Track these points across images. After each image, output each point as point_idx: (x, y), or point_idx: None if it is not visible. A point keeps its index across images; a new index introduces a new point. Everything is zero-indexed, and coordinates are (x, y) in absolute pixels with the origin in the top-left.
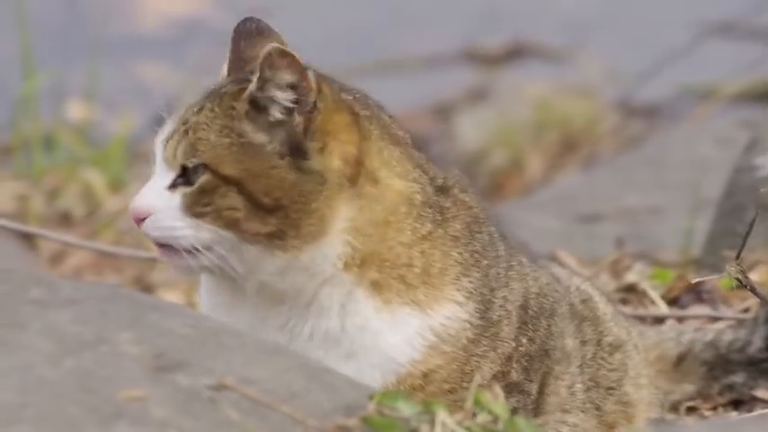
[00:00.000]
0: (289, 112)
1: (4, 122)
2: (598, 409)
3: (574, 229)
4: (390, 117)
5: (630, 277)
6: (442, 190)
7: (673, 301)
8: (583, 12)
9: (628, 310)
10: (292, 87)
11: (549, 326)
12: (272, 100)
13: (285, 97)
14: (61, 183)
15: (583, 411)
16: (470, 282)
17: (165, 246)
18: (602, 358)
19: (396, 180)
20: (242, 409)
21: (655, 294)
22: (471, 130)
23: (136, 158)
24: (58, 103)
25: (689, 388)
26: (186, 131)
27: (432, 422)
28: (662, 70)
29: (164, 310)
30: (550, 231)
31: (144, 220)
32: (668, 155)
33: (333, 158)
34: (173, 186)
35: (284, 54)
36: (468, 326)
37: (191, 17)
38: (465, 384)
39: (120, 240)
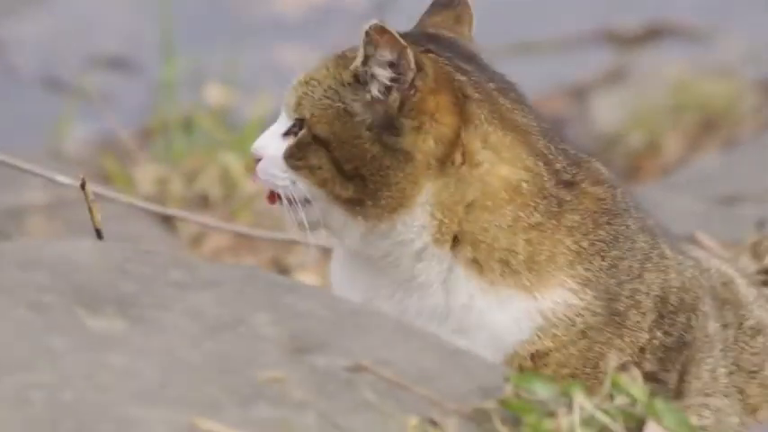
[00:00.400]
0: (387, 89)
1: (144, 106)
2: (741, 392)
3: (713, 210)
4: (517, 102)
5: None
6: (568, 184)
7: None
8: None
9: None
10: (391, 65)
11: (688, 320)
12: (373, 76)
13: (385, 75)
14: (199, 166)
15: (726, 396)
16: (588, 270)
17: (275, 195)
18: (744, 342)
19: (501, 166)
20: (378, 390)
21: None
22: (608, 111)
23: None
24: (197, 87)
25: None
26: (302, 85)
27: (569, 405)
28: None
29: (300, 291)
30: (689, 213)
31: (258, 162)
32: None
33: (427, 138)
34: (287, 134)
35: (383, 31)
36: (587, 312)
37: (329, 0)
38: (588, 371)
39: (257, 222)
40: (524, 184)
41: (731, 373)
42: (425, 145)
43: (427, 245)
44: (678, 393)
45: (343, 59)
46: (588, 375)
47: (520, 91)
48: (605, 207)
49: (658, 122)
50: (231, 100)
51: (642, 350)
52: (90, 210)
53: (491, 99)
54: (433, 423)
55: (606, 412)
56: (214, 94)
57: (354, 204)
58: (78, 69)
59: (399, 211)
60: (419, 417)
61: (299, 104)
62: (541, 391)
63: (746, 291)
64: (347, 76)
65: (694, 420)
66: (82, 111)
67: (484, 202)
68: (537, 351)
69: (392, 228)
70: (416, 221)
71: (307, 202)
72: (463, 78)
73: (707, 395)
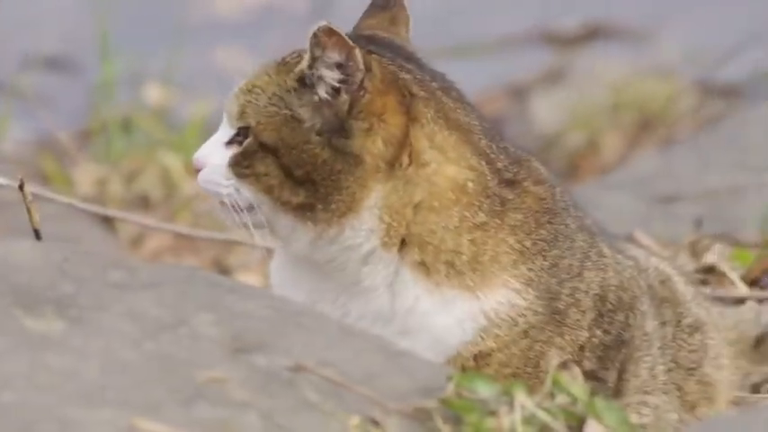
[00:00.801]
0: (335, 91)
1: (83, 106)
2: (679, 389)
3: (652, 209)
4: (458, 101)
5: (709, 258)
6: (510, 183)
7: (753, 282)
8: None
9: (707, 291)
10: (339, 66)
11: (626, 318)
12: (320, 78)
13: (332, 76)
14: (139, 166)
15: (665, 393)
16: (531, 269)
17: (219, 202)
18: (682, 339)
19: (447, 165)
20: (320, 390)
21: (734, 275)
22: (547, 111)
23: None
24: (136, 87)
25: None
26: (244, 93)
27: (511, 404)
28: (741, 50)
29: (242, 292)
30: (628, 212)
31: (199, 171)
32: (748, 135)
33: (376, 140)
34: (230, 143)
35: (331, 33)
36: (529, 312)
37: (265, 2)
38: (530, 370)
39: (197, 223)
40: (470, 184)
41: (670, 370)
42: (374, 147)
43: (375, 248)
44: (617, 391)
45: (285, 65)
46: (530, 375)
47: (460, 90)
48: (546, 206)
49: (597, 122)
50: (170, 100)
51: (582, 348)
52: (28, 210)
53: (435, 98)
54: (375, 422)
55: (547, 411)
56: (153, 94)
57: (304, 210)
58: (16, 69)
59: (348, 215)
60: (361, 416)
61: (242, 113)
62: (483, 390)
63: (684, 289)
64: (291, 82)
65: (634, 418)
66: (19, 110)
67: (431, 203)
68: (480, 352)
69: (341, 232)
70: (365, 225)
71: (251, 208)
72: (408, 77)
73: (646, 393)
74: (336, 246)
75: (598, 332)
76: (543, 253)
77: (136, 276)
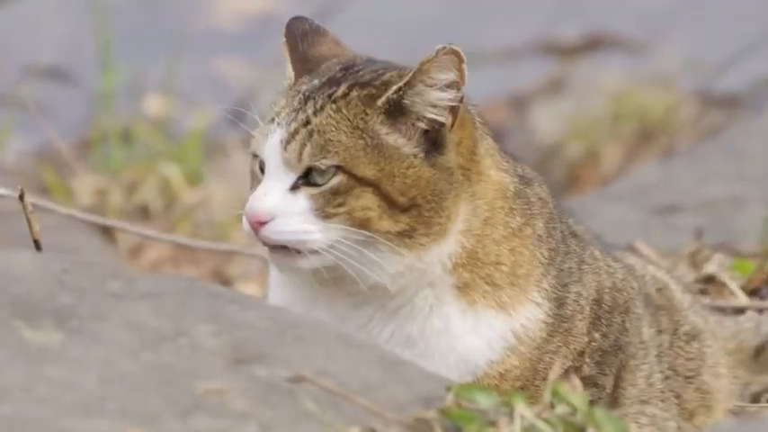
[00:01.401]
0: (441, 111)
1: (83, 117)
2: (678, 397)
3: (652, 220)
4: (474, 106)
5: (709, 268)
6: (527, 181)
7: (753, 293)
8: (660, 2)
9: (707, 301)
10: (450, 86)
11: (623, 321)
12: (425, 103)
13: (446, 97)
14: (139, 177)
15: (662, 401)
16: (548, 282)
17: (278, 247)
18: (680, 347)
19: (494, 171)
20: (319, 401)
21: (734, 285)
22: (548, 121)
23: (212, 152)
24: (135, 98)
25: None
26: (311, 133)
27: (510, 414)
28: (741, 61)
29: (241, 302)
30: (628, 223)
31: (264, 224)
32: (748, 145)
33: (463, 151)
34: (294, 188)
35: (452, 52)
36: (544, 325)
37: (265, 13)
38: (537, 381)
39: (197, 233)
40: (510, 187)
41: (667, 377)
42: (461, 160)
43: (445, 271)
44: (614, 399)
45: (354, 98)
46: (537, 386)
47: None
48: (550, 210)
49: (597, 133)
50: (170, 111)
51: (581, 354)
52: (28, 221)
53: (464, 105)
54: None
55: (547, 421)
56: (153, 104)
57: (403, 237)
58: (16, 80)
59: (441, 239)
60: (360, 427)
61: (321, 154)
62: (482, 400)
63: (681, 297)
64: (377, 113)
65: (633, 429)
66: (20, 122)
67: (488, 216)
68: (505, 370)
69: (432, 258)
70: (449, 250)
71: (331, 248)
72: None
73: (643, 402)
74: (417, 272)
75: (597, 336)
76: (554, 262)
77: (135, 287)
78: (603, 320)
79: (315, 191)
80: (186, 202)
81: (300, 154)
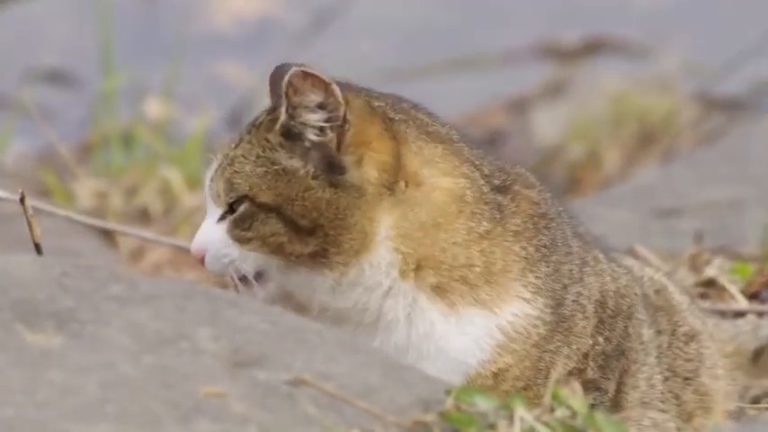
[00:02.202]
0: (321, 131)
1: (84, 120)
2: (677, 398)
3: (652, 223)
4: (429, 115)
5: (710, 272)
6: (501, 189)
7: (753, 296)
8: (660, 5)
9: (707, 304)
10: (321, 107)
11: (626, 327)
12: (305, 124)
13: (316, 118)
14: (140, 180)
15: (663, 402)
16: (537, 277)
17: (242, 279)
18: (678, 347)
19: (442, 178)
20: (320, 404)
21: (734, 289)
22: (548, 124)
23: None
24: (136, 101)
25: None
26: (224, 167)
27: (510, 417)
28: (741, 64)
29: (241, 306)
30: (628, 226)
31: (199, 257)
32: (749, 148)
33: (369, 169)
34: (220, 220)
35: (306, 75)
36: (539, 322)
37: (264, 16)
38: (540, 381)
39: None
40: (468, 192)
41: (666, 379)
42: (370, 175)
43: (395, 281)
44: (616, 403)
45: (261, 126)
46: (539, 386)
47: (428, 108)
48: (541, 211)
49: (598, 136)
50: (171, 114)
51: (585, 357)
52: (29, 224)
53: (411, 117)
54: None
55: (547, 425)
56: (154, 108)
57: (317, 257)
58: (17, 83)
59: (363, 253)
60: (360, 430)
61: (230, 186)
62: (482, 403)
63: (680, 298)
64: (276, 138)
65: None
66: (21, 124)
67: (437, 220)
68: (498, 369)
69: (360, 273)
70: (382, 260)
71: (259, 276)
72: (381, 103)
73: (645, 404)
74: (358, 288)
75: (600, 339)
76: (545, 259)
77: (136, 290)
78: (607, 325)
79: (226, 223)
80: (187, 205)
81: (218, 190)
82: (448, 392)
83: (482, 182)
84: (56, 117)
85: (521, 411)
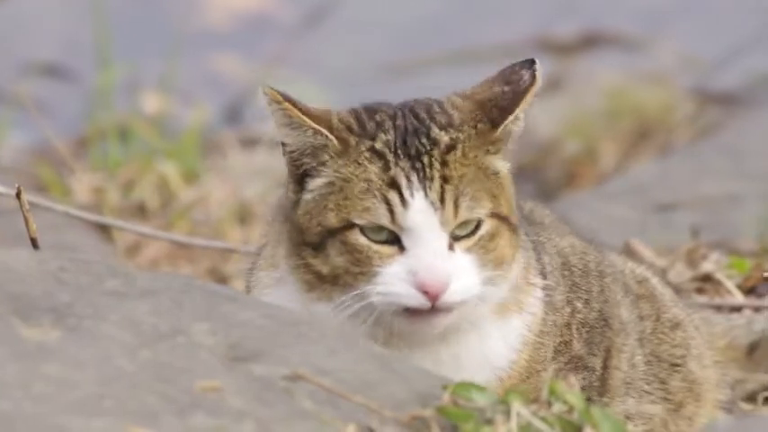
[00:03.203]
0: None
1: (80, 114)
2: (663, 383)
3: (649, 217)
4: None
5: (706, 266)
6: None
7: (750, 291)
8: None
9: (703, 299)
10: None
11: (601, 289)
12: (519, 123)
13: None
14: (136, 174)
15: (648, 384)
16: (536, 260)
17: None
18: (663, 333)
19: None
20: (317, 399)
21: (730, 284)
22: (544, 119)
23: (209, 150)
24: (133, 95)
25: (764, 377)
26: (456, 187)
27: (507, 413)
28: (738, 58)
29: (238, 300)
30: (625, 220)
31: (443, 291)
32: (746, 143)
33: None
34: (450, 247)
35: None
36: (543, 308)
37: (260, 11)
38: (539, 367)
39: (194, 231)
40: None
41: (650, 362)
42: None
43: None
44: (603, 383)
45: (467, 142)
46: (539, 372)
47: None
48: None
49: (594, 130)
50: (167, 108)
51: (568, 326)
52: (26, 219)
53: None
54: (371, 431)
55: (544, 420)
56: (150, 102)
57: (513, 262)
58: (13, 77)
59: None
60: (357, 425)
61: (471, 207)
62: (479, 398)
63: (662, 289)
64: (498, 143)
65: (630, 428)
66: (17, 119)
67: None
68: (520, 366)
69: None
70: (519, 260)
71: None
72: None
73: (628, 384)
74: (504, 295)
75: (579, 306)
76: (530, 240)
77: (133, 285)
78: (582, 287)
79: (469, 243)
80: (183, 200)
81: (456, 210)
82: (445, 387)
83: None
84: (52, 111)
85: (518, 407)
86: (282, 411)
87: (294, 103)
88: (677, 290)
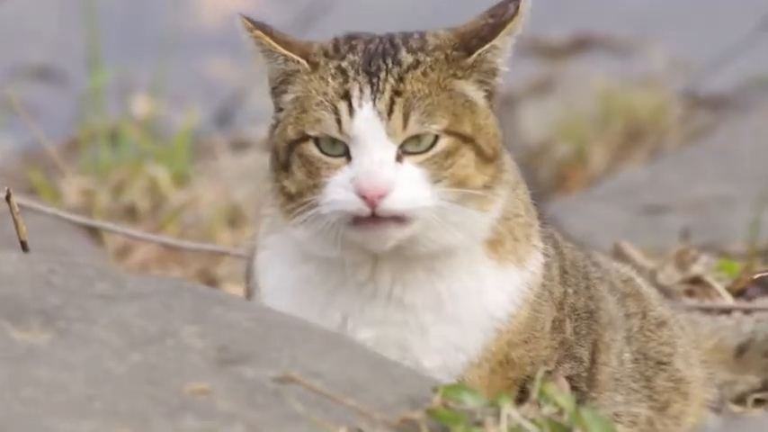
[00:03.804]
0: (505, 67)
1: (71, 117)
2: (648, 381)
3: (639, 220)
4: None
5: (696, 269)
6: None
7: (739, 293)
8: (648, 3)
9: (693, 301)
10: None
11: (587, 287)
12: (503, 56)
13: (509, 52)
14: (127, 177)
15: (634, 381)
16: (539, 223)
17: (388, 219)
18: (650, 330)
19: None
20: (307, 401)
21: (719, 286)
22: (536, 121)
23: (200, 153)
24: (123, 98)
25: (753, 379)
26: (409, 100)
27: (497, 415)
28: (729, 61)
29: (228, 303)
30: (615, 223)
31: (382, 197)
32: (736, 146)
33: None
34: (398, 158)
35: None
36: (543, 269)
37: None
38: (537, 333)
39: (184, 234)
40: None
41: (637, 360)
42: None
43: (494, 226)
44: (591, 377)
45: (438, 62)
46: (537, 338)
47: None
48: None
49: (585, 133)
50: (158, 111)
51: (561, 305)
52: (15, 222)
53: None
54: None
55: (533, 421)
56: (141, 105)
57: (487, 190)
58: (3, 80)
59: (507, 191)
60: (347, 427)
61: (425, 120)
62: (469, 400)
63: (648, 289)
64: (467, 68)
65: (619, 428)
66: (7, 122)
67: (508, 168)
68: (519, 323)
69: (498, 210)
70: (501, 202)
71: (435, 212)
72: None
73: (617, 381)
74: (483, 226)
75: (570, 291)
76: (532, 200)
77: (122, 288)
78: (570, 276)
79: (421, 158)
80: (174, 202)
81: (405, 122)
82: (435, 390)
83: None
84: (42, 114)
85: (508, 408)
86: (272, 414)
87: (266, 31)
88: (667, 292)
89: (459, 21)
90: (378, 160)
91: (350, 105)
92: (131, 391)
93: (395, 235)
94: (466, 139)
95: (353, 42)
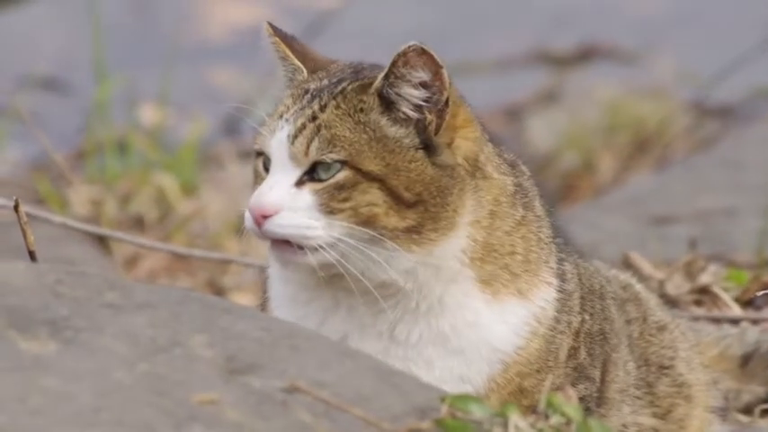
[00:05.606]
0: (419, 109)
1: (78, 127)
2: (650, 386)
3: (646, 230)
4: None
5: (704, 279)
6: (517, 172)
7: (747, 303)
8: (654, 13)
9: (701, 311)
10: (424, 86)
11: (602, 308)
12: (400, 96)
13: (417, 95)
14: (134, 187)
15: (637, 388)
16: (553, 259)
17: (280, 242)
18: (651, 335)
19: (496, 174)
20: (314, 411)
21: (727, 297)
22: (542, 131)
23: (207, 162)
24: (130, 108)
25: (758, 389)
26: (318, 128)
27: (504, 425)
28: (735, 71)
29: (236, 313)
30: (622, 233)
31: (267, 217)
32: (743, 156)
33: (458, 153)
34: (299, 183)
35: (423, 52)
36: (556, 303)
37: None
38: (551, 363)
39: (192, 243)
40: (509, 186)
41: (639, 367)
42: (460, 159)
43: (463, 266)
44: (600, 394)
45: (350, 91)
46: (550, 368)
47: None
48: (534, 184)
49: (592, 143)
50: (165, 121)
51: (577, 334)
52: (23, 232)
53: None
54: None
55: (541, 431)
56: (148, 115)
57: (411, 233)
58: (11, 90)
59: (450, 233)
60: None
61: (324, 148)
62: (477, 410)
63: (647, 294)
64: (371, 100)
65: None
66: (15, 132)
67: (493, 209)
68: (529, 354)
69: (443, 253)
70: (461, 243)
71: (332, 246)
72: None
73: (622, 391)
74: (430, 269)
75: (587, 317)
76: (550, 237)
77: (130, 297)
78: (588, 302)
79: (319, 186)
80: (181, 212)
81: (307, 148)
82: (443, 400)
83: (510, 174)
84: (50, 124)
85: (515, 419)
86: (280, 424)
87: (284, 39)
88: (675, 302)
89: (458, 31)
90: (273, 182)
91: (276, 126)
92: (139, 401)
93: (293, 259)
94: (370, 177)
95: (332, 68)
